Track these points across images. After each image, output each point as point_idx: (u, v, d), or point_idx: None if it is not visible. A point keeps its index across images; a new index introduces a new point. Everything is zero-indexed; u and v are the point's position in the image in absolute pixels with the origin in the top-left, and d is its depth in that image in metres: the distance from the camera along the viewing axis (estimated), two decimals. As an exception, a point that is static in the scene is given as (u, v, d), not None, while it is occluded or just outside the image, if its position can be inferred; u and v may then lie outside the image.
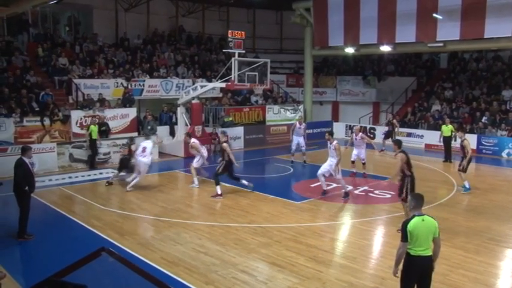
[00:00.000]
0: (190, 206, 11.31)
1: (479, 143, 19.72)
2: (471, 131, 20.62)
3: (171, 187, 13.75)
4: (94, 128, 15.89)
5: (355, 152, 15.01)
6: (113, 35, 23.71)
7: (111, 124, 17.46)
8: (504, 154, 19.21)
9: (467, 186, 12.88)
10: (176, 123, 19.36)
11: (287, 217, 10.39)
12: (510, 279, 7.45)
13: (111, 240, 8.63)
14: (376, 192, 12.72)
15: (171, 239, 8.80)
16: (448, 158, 18.10)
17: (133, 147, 13.64)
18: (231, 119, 21.01)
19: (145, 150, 12.76)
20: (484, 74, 25.06)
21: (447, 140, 18.13)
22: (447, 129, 18.11)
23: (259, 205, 11.36)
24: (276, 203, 11.63)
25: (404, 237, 5.45)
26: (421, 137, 21.96)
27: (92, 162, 15.89)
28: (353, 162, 15.05)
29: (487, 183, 14.63)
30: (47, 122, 16.13)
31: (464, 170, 12.94)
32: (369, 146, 16.23)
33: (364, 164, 15.02)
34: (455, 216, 10.53)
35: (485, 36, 18.26)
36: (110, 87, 19.47)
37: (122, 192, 12.79)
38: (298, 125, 17.18)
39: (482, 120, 20.91)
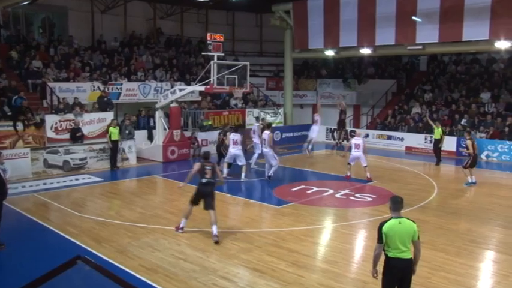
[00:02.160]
0: (169, 212, 11.21)
1: (458, 145, 20.07)
2: (450, 134, 21.00)
3: (149, 193, 13.63)
4: (114, 130, 16.39)
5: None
6: (89, 37, 23.44)
7: (88, 129, 17.23)
8: (483, 156, 19.58)
9: (469, 180, 14.19)
10: (154, 128, 19.22)
11: (268, 222, 10.39)
12: (490, 281, 7.58)
13: (88, 248, 8.49)
14: (358, 195, 12.82)
15: (149, 246, 8.71)
16: (438, 161, 18.34)
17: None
18: (210, 122, 20.95)
19: (237, 142, 14.82)
20: (463, 76, 25.57)
21: (436, 143, 18.41)
22: (438, 131, 18.33)
23: (240, 210, 11.34)
24: (257, 207, 11.63)
25: (379, 238, 5.52)
26: (402, 139, 22.27)
27: (113, 163, 16.52)
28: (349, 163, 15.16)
29: (453, 182, 14.92)
30: (20, 126, 15.82)
31: (465, 167, 14.33)
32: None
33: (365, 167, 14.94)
34: (437, 218, 10.68)
35: (463, 39, 18.61)
36: (86, 90, 19.21)
37: (99, 198, 12.62)
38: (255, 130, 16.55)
39: (462, 123, 21.30)
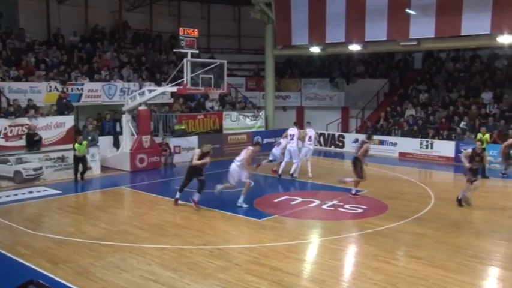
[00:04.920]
0: (138, 227, 11.07)
1: (457, 150, 20.32)
2: (448, 137, 21.30)
3: (115, 206, 13.46)
4: (79, 147, 16.12)
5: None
6: (44, 30, 23.12)
7: (44, 135, 16.94)
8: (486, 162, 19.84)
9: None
10: (121, 133, 19.03)
11: (248, 237, 10.35)
12: (493, 299, 7.67)
13: (42, 271, 8.29)
14: (347, 206, 12.86)
15: (115, 266, 8.57)
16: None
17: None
18: (183, 127, 20.85)
19: (293, 138, 16.66)
20: (461, 75, 25.98)
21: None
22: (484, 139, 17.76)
23: (217, 224, 11.27)
24: (236, 221, 11.58)
25: None
26: (395, 144, 22.51)
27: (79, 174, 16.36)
28: None
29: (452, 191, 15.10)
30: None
31: None
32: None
33: None
34: (434, 231, 10.76)
35: (462, 34, 18.85)
36: (41, 91, 18.89)
37: (56, 213, 12.40)
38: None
39: (461, 126, 21.60)
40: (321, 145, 24.32)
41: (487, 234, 10.79)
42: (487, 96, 23.41)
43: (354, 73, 28.97)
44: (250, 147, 13.34)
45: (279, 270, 8.37)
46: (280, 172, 17.13)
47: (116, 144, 19.46)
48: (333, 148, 24.84)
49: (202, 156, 12.62)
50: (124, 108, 18.53)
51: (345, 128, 27.29)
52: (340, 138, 24.76)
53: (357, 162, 13.90)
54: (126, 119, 18.42)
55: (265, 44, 25.37)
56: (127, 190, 15.40)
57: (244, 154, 13.04)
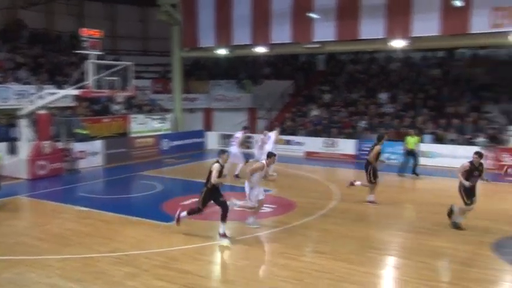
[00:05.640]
0: (38, 239, 10.47)
1: (358, 148, 21.34)
2: (349, 136, 22.29)
3: (12, 217, 12.62)
4: None
5: None
6: None
7: None
8: (383, 158, 20.96)
9: None
10: (17, 139, 17.92)
11: (157, 241, 10.16)
12: (392, 288, 8.14)
13: None
14: (256, 206, 13.02)
15: (11, 282, 8.03)
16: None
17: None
18: (87, 131, 20.03)
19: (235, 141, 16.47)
20: (361, 76, 27.29)
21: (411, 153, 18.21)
22: (412, 140, 18.24)
23: (124, 230, 10.95)
24: (144, 225, 11.32)
25: None
26: (301, 144, 23.15)
27: None
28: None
29: (367, 189, 15.86)
30: None
31: None
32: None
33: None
34: (338, 226, 11.21)
35: (360, 37, 19.88)
36: None
37: None
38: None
39: (361, 124, 22.70)
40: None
41: (383, 226, 11.44)
42: (383, 96, 24.79)
43: (261, 75, 29.44)
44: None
45: (190, 274, 8.31)
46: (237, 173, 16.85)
47: (13, 150, 18.28)
48: (241, 149, 24.98)
49: (221, 171, 10.26)
50: (21, 113, 17.48)
51: (253, 129, 27.63)
52: (248, 139, 25.00)
53: (368, 166, 13.37)
54: (23, 123, 17.38)
55: (172, 46, 25.09)
56: (25, 199, 14.52)
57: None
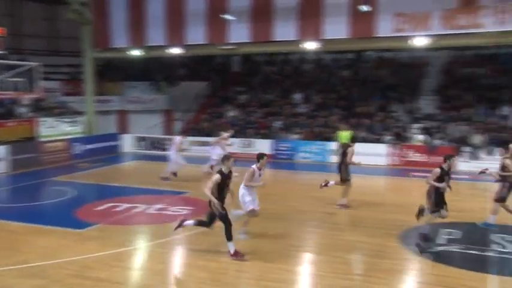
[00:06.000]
0: None
1: (274, 148, 21.66)
2: (266, 136, 22.57)
3: None
4: None
5: None
6: None
7: None
8: (298, 157, 21.51)
9: (491, 221, 11.08)
10: None
11: (69, 250, 9.67)
12: (309, 283, 8.28)
13: None
14: (173, 209, 12.83)
15: None
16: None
17: None
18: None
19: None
20: (276, 77, 27.76)
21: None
22: (345, 134, 17.78)
23: (33, 240, 10.32)
24: (55, 234, 10.74)
25: None
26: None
27: None
28: None
29: (285, 188, 16.14)
30: None
31: (499, 200, 11.01)
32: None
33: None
34: (254, 226, 11.17)
35: (273, 39, 20.22)
36: None
37: None
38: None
39: (277, 125, 23.09)
40: (147, 149, 24.01)
41: (301, 223, 11.68)
42: (297, 96, 25.38)
43: (176, 76, 29.10)
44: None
45: (105, 281, 7.99)
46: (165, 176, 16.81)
47: None
48: (157, 151, 24.61)
49: (223, 182, 8.81)
50: None
51: (169, 131, 27.26)
52: (165, 141, 24.64)
53: (342, 166, 12.95)
54: None
55: (83, 46, 24.10)
56: None
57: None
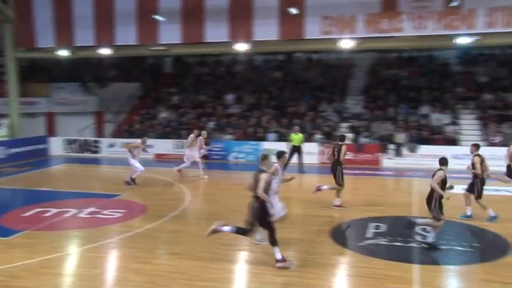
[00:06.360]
0: None
1: (207, 148, 21.53)
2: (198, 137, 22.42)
3: None
4: None
5: None
6: None
7: None
8: (231, 157, 21.54)
9: (492, 214, 11.31)
10: None
11: (-6, 259, 9.16)
12: (244, 281, 8.32)
13: None
14: (105, 212, 12.46)
15: None
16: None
17: None
18: None
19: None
20: (208, 78, 27.67)
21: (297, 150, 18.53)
22: (297, 137, 18.60)
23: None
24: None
25: None
26: (150, 147, 22.66)
27: None
28: None
29: (218, 188, 16.12)
30: None
31: (479, 196, 11.31)
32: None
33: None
34: (189, 226, 11.22)
35: (205, 41, 20.12)
36: None
37: None
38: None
39: (209, 125, 23.02)
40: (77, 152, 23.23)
41: (235, 222, 11.64)
42: (229, 97, 25.44)
43: (107, 77, 28.31)
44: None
45: (35, 290, 7.64)
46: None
47: None
48: (88, 154, 23.86)
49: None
50: None
51: (100, 133, 26.48)
52: (96, 144, 23.93)
53: (337, 168, 12.61)
54: None
55: (4, 46, 22.89)
56: None
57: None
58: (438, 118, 21.77)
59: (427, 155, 19.18)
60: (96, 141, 24.02)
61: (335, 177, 12.69)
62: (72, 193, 15.19)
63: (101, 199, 13.97)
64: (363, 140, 21.36)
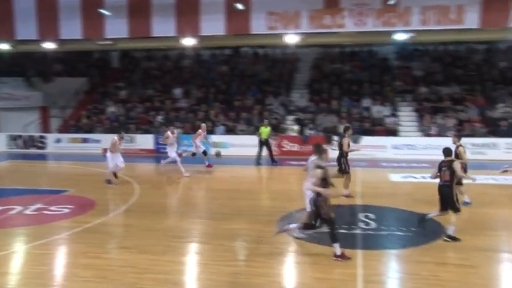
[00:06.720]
0: None
1: (156, 142, 21.36)
2: (147, 131, 22.17)
3: None
4: None
5: None
6: None
7: None
8: (181, 151, 21.38)
9: (467, 200, 11.61)
10: None
11: None
12: (195, 272, 8.34)
13: None
14: (53, 208, 12.14)
15: None
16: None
17: None
18: None
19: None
20: (156, 73, 27.31)
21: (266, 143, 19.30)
22: (266, 130, 19.23)
23: None
24: None
25: None
26: (98, 141, 22.25)
27: None
28: None
29: (169, 181, 16.02)
30: None
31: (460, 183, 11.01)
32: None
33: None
34: (141, 220, 11.08)
35: (152, 35, 19.80)
36: None
37: None
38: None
39: (158, 119, 22.77)
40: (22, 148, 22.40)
41: (185, 215, 11.71)
42: (177, 91, 25.23)
43: (52, 72, 27.38)
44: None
45: (-21, 290, 7.37)
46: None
47: None
48: (34, 150, 23.08)
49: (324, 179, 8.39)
50: None
51: (46, 128, 25.64)
52: (42, 139, 23.17)
53: (341, 159, 12.57)
54: None
55: None
56: None
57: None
58: (379, 110, 22.47)
59: (369, 145, 19.79)
60: (41, 137, 23.25)
61: (340, 169, 12.69)
62: (17, 190, 14.68)
63: (48, 195, 13.58)
64: (308, 132, 21.73)
